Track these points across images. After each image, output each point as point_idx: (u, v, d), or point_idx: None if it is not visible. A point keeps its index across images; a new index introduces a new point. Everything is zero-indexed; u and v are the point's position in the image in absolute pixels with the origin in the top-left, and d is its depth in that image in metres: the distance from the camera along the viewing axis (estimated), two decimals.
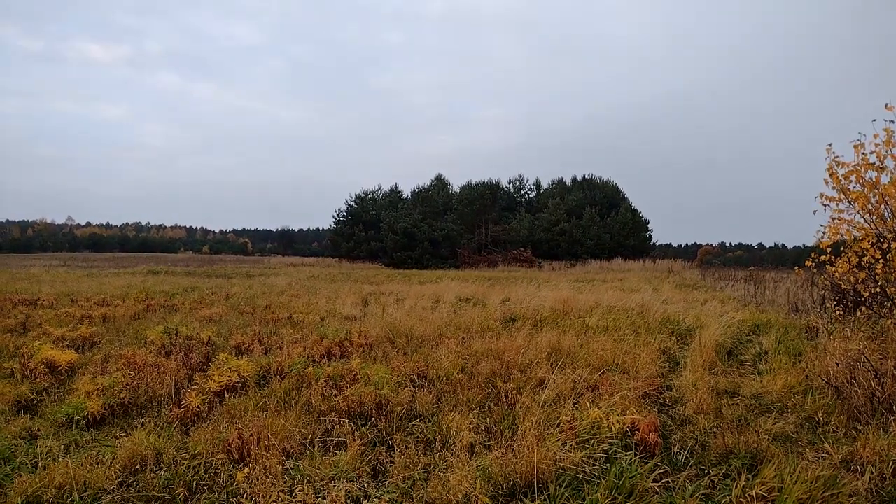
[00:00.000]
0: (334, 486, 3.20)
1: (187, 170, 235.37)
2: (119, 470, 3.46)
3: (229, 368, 5.39)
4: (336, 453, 3.71)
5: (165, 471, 3.47)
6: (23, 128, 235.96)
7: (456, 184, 52.77)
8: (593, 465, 3.47)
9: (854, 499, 3.06)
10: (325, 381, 5.06)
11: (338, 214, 49.67)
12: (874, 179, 5.65)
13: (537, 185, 56.51)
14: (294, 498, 3.09)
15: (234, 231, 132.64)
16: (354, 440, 3.80)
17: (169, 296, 13.50)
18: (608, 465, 3.48)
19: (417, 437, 4.04)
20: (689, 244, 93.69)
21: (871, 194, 5.67)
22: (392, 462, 3.58)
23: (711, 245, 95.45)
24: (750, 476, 3.26)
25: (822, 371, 5.18)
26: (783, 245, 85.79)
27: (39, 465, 3.50)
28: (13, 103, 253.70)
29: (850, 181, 5.78)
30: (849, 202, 5.83)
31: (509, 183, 55.70)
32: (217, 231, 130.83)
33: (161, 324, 8.47)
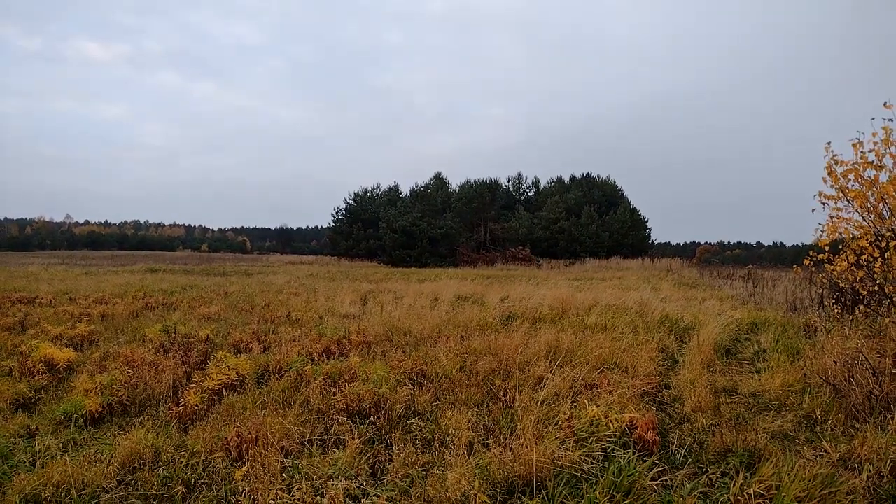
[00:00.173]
0: (333, 485, 3.20)
1: (187, 169, 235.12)
2: (117, 468, 3.45)
3: (228, 367, 5.39)
4: (334, 451, 3.71)
5: (164, 469, 3.47)
6: (23, 127, 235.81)
7: (455, 182, 52.82)
8: (592, 463, 3.47)
9: (852, 497, 3.06)
10: (323, 379, 5.05)
11: (336, 213, 49.68)
12: (873, 178, 5.65)
13: (536, 183, 56.54)
14: (292, 496, 3.09)
15: (233, 229, 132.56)
16: (353, 438, 3.80)
17: (167, 294, 13.48)
18: (606, 463, 3.48)
19: (416, 435, 4.05)
20: (688, 243, 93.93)
21: (869, 193, 5.67)
22: (390, 460, 3.59)
23: (710, 243, 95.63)
24: (748, 474, 3.27)
25: (821, 369, 5.19)
26: (781, 243, 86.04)
27: (38, 463, 3.50)
28: (13, 103, 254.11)
29: (849, 179, 5.78)
30: (847, 200, 5.82)
31: (508, 181, 55.75)
32: (216, 229, 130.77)
33: (159, 322, 8.46)
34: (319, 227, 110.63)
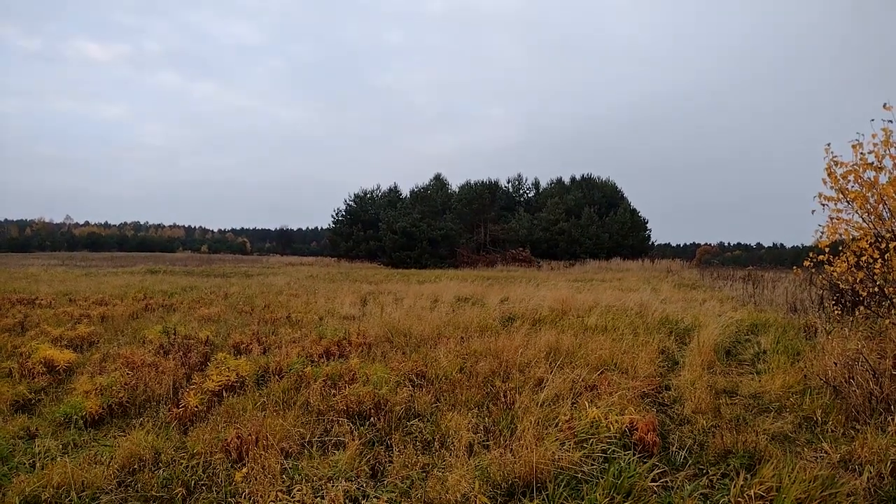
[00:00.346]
0: (333, 486, 3.20)
1: (187, 169, 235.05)
2: (117, 470, 3.45)
3: (228, 368, 5.39)
4: (335, 453, 3.71)
5: (164, 470, 3.47)
6: (23, 127, 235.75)
7: (455, 183, 52.84)
8: (592, 464, 3.47)
9: (852, 498, 3.06)
10: (323, 380, 5.05)
11: (336, 214, 49.68)
12: (872, 179, 5.65)
13: (536, 184, 56.55)
14: (292, 497, 3.09)
15: (233, 230, 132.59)
16: (353, 440, 3.80)
17: (167, 295, 13.47)
18: (607, 464, 3.48)
19: (416, 436, 4.04)
20: (688, 244, 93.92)
21: (869, 194, 5.67)
22: (391, 462, 3.58)
23: (710, 245, 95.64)
24: (748, 475, 3.27)
25: (821, 371, 5.19)
26: (781, 245, 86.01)
27: (37, 464, 3.50)
28: (13, 103, 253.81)
29: (849, 181, 5.78)
30: (847, 202, 5.83)
31: (508, 182, 55.76)
32: (216, 230, 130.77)
33: (159, 323, 8.46)
34: (319, 228, 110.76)
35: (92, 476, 3.31)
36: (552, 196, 50.49)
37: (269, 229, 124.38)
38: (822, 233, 6.08)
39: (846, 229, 5.92)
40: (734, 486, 3.13)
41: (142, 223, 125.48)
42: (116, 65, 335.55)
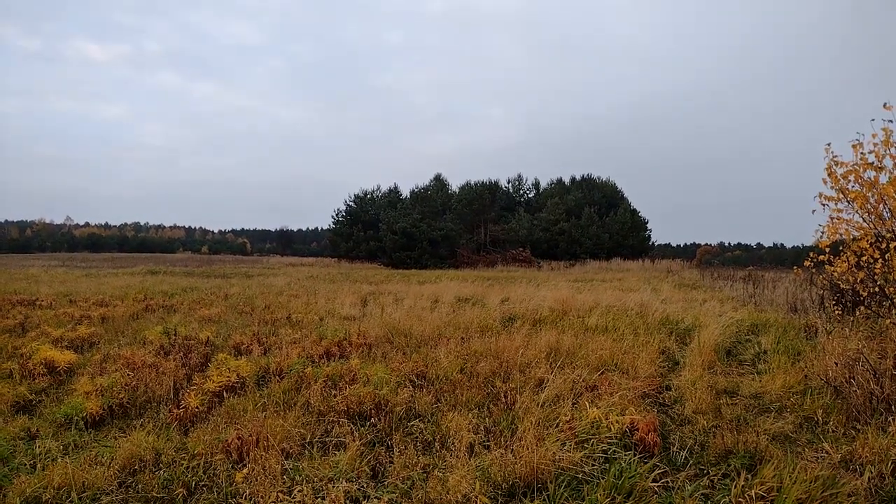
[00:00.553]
0: (333, 487, 3.20)
1: (187, 169, 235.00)
2: (118, 470, 3.45)
3: (228, 369, 5.39)
4: (335, 453, 3.71)
5: (164, 471, 3.47)
6: (23, 127, 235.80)
7: (455, 184, 52.80)
8: (592, 465, 3.47)
9: (853, 498, 3.06)
10: (324, 381, 5.05)
11: (337, 214, 49.69)
12: (873, 179, 5.65)
13: (536, 184, 56.53)
14: (293, 498, 3.09)
15: (233, 231, 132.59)
16: (353, 440, 3.80)
17: (168, 296, 13.48)
18: (607, 464, 3.48)
19: (417, 437, 4.04)
20: (688, 244, 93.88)
21: (869, 194, 5.67)
22: (391, 462, 3.58)
23: (710, 245, 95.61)
24: (749, 476, 3.26)
25: (821, 371, 5.19)
26: (782, 245, 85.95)
27: (38, 465, 3.50)
28: (13, 103, 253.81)
29: (849, 181, 5.78)
30: (847, 202, 5.83)
31: (508, 183, 55.72)
32: (216, 231, 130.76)
33: (160, 324, 8.46)
34: (320, 228, 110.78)
35: (92, 477, 3.31)
36: (552, 196, 50.48)
37: (269, 230, 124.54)
38: (823, 233, 6.08)
39: (847, 229, 5.92)
40: (735, 487, 3.13)
41: (142, 224, 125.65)
42: (116, 65, 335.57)
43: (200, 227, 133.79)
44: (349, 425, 4.12)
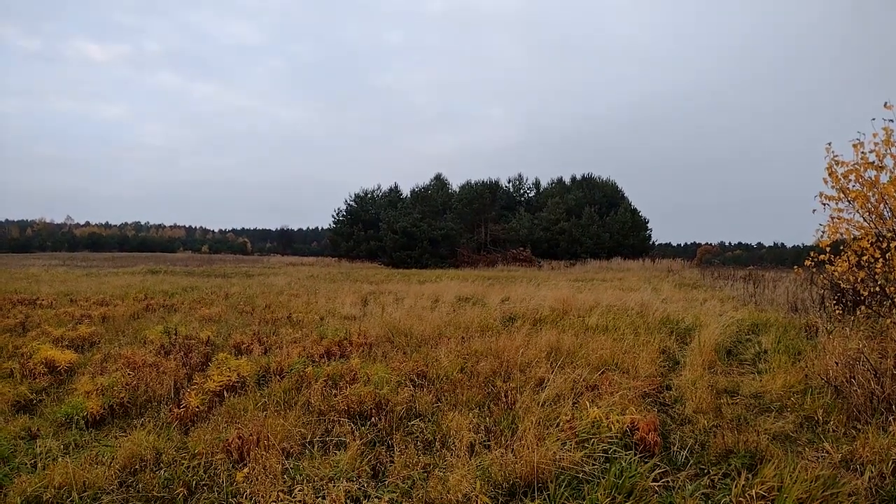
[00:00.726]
0: (334, 486, 3.20)
1: (187, 169, 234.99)
2: (118, 470, 3.46)
3: (229, 368, 5.39)
4: (336, 453, 3.71)
5: (165, 471, 3.47)
6: (23, 127, 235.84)
7: (455, 183, 52.84)
8: (593, 464, 3.47)
9: (853, 498, 3.06)
10: (324, 380, 5.05)
11: (337, 214, 49.72)
12: (873, 178, 5.64)
13: (537, 184, 56.54)
14: (294, 498, 3.09)
15: (234, 231, 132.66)
16: (354, 440, 3.80)
17: (168, 295, 13.49)
18: (608, 464, 3.48)
19: (417, 436, 4.04)
20: (689, 243, 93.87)
21: (870, 193, 5.66)
22: (392, 462, 3.58)
23: (711, 244, 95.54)
24: (749, 475, 3.26)
25: (822, 370, 5.19)
26: (782, 244, 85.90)
27: (39, 465, 3.50)
28: (13, 103, 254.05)
29: (850, 180, 5.77)
30: (848, 201, 5.81)
31: (508, 182, 55.73)
32: (216, 231, 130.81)
33: (160, 323, 8.47)
34: (320, 228, 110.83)
35: (93, 476, 3.31)
36: (553, 196, 50.47)
37: (269, 229, 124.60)
38: (823, 232, 6.06)
39: (847, 229, 5.91)
40: (735, 486, 3.13)
41: (142, 223, 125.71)
42: (116, 65, 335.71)
43: (201, 227, 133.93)
44: (350, 425, 4.12)
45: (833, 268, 6.09)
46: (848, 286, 6.87)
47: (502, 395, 4.72)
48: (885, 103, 5.47)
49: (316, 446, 3.83)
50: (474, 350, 6.39)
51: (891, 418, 4.02)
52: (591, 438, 3.78)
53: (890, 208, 5.60)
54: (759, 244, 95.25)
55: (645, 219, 50.12)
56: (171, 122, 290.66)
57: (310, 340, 7.11)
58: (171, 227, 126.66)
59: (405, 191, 51.07)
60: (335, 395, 4.70)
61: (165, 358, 5.96)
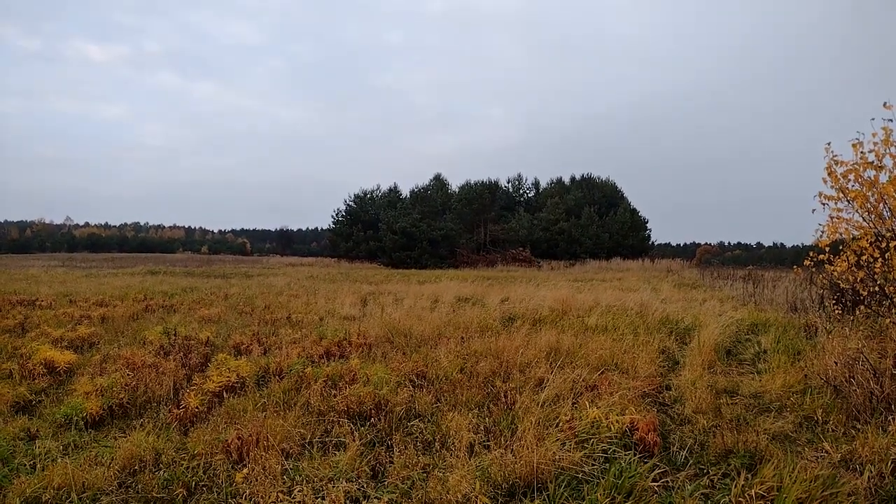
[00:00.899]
0: (333, 487, 3.20)
1: (187, 169, 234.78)
2: (118, 471, 3.45)
3: (228, 369, 5.39)
4: (335, 453, 3.71)
5: (164, 471, 3.47)
6: (23, 127, 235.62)
7: (455, 183, 52.86)
8: (592, 464, 3.47)
9: (853, 498, 3.06)
10: (324, 381, 5.05)
11: (336, 214, 49.73)
12: (873, 178, 5.64)
13: (536, 184, 56.60)
14: (293, 498, 3.09)
15: (233, 231, 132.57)
16: (353, 440, 3.80)
17: (167, 296, 13.48)
18: (607, 464, 3.48)
19: (417, 437, 4.04)
20: (688, 243, 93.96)
21: (869, 193, 5.66)
22: (391, 462, 3.58)
23: (710, 244, 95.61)
24: (749, 475, 3.26)
25: (821, 370, 5.19)
26: (782, 244, 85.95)
27: (38, 465, 3.50)
28: (13, 103, 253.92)
29: (849, 180, 5.77)
30: (847, 201, 5.81)
31: (508, 182, 55.79)
32: (216, 231, 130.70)
33: (160, 324, 8.46)
34: (319, 228, 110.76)
35: (92, 477, 3.31)
36: (552, 196, 50.50)
37: (269, 230, 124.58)
38: (823, 232, 6.06)
39: (846, 228, 5.91)
40: (735, 486, 3.13)
41: (142, 224, 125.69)
42: (116, 65, 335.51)
43: (200, 228, 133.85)
44: (349, 425, 4.12)
45: (832, 268, 6.09)
46: (847, 286, 6.87)
47: (502, 395, 4.72)
48: (885, 103, 5.47)
49: (315, 447, 3.83)
50: (474, 350, 6.39)
51: (890, 418, 4.03)
52: (590, 438, 3.77)
53: (889, 208, 5.60)
54: (758, 244, 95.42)
55: (644, 219, 50.21)
56: (171, 122, 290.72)
57: (309, 341, 7.11)
58: (170, 227, 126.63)
59: (405, 191, 51.16)
60: (335, 396, 4.70)
61: (165, 359, 5.95)
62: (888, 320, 5.85)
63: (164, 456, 3.65)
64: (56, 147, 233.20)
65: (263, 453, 3.51)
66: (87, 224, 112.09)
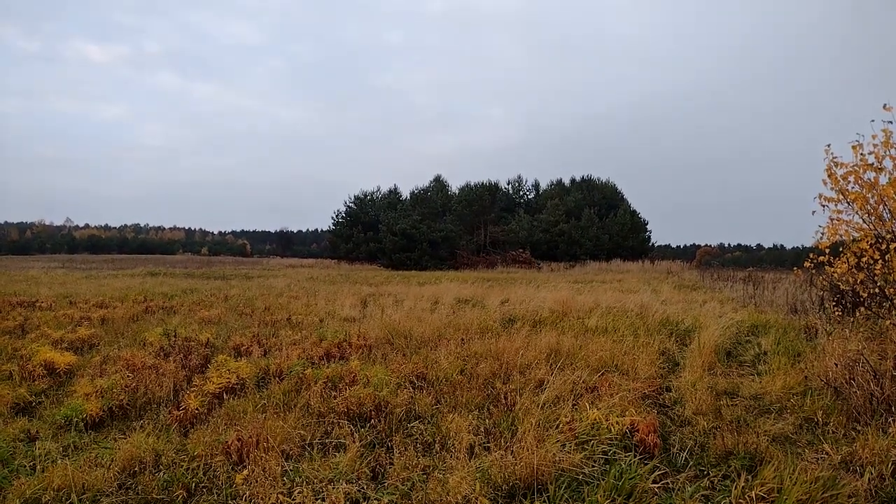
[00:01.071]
0: (333, 488, 3.20)
1: (187, 169, 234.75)
2: (118, 472, 3.45)
3: (228, 370, 5.39)
4: (335, 455, 3.71)
5: (164, 473, 3.47)
6: (23, 127, 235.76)
7: (455, 184, 52.89)
8: (593, 466, 3.47)
9: (853, 499, 3.06)
10: (324, 382, 5.05)
11: (336, 216, 49.72)
12: (872, 180, 5.65)
13: (536, 185, 56.61)
14: (293, 500, 3.09)
15: (233, 232, 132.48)
16: (353, 442, 3.80)
17: (167, 297, 13.48)
18: (608, 466, 3.48)
19: (417, 438, 4.04)
20: (688, 245, 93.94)
21: (869, 195, 5.66)
22: (391, 464, 3.58)
23: (710, 246, 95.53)
24: (749, 477, 3.26)
25: (822, 372, 5.19)
26: (782, 246, 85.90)
27: (38, 467, 3.49)
28: (13, 103, 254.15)
29: (849, 182, 5.78)
30: (847, 203, 5.82)
31: (508, 184, 55.77)
32: (216, 232, 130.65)
33: (160, 325, 8.46)
34: (319, 230, 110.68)
35: (92, 478, 3.30)
36: (552, 197, 50.50)
37: (269, 231, 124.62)
38: (823, 234, 6.07)
39: (846, 230, 5.91)
40: (735, 488, 3.13)
41: (142, 225, 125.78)
42: (116, 65, 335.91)
43: (200, 229, 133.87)
44: (349, 427, 4.12)
45: (832, 269, 6.10)
46: (847, 288, 6.87)
47: (502, 396, 4.72)
48: (885, 105, 5.48)
49: (315, 448, 3.83)
50: (474, 352, 6.39)
51: (890, 419, 4.03)
52: (590, 440, 3.77)
53: (889, 210, 5.61)
54: (758, 246, 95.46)
55: (644, 220, 50.20)
56: (170, 122, 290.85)
57: (309, 342, 7.11)
58: (170, 228, 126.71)
59: (405, 192, 51.18)
60: (335, 397, 4.70)
61: (165, 360, 5.95)
62: (888, 322, 5.85)
63: (163, 457, 3.64)
64: (56, 147, 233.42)
65: (263, 455, 3.51)
66: (87, 225, 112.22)
